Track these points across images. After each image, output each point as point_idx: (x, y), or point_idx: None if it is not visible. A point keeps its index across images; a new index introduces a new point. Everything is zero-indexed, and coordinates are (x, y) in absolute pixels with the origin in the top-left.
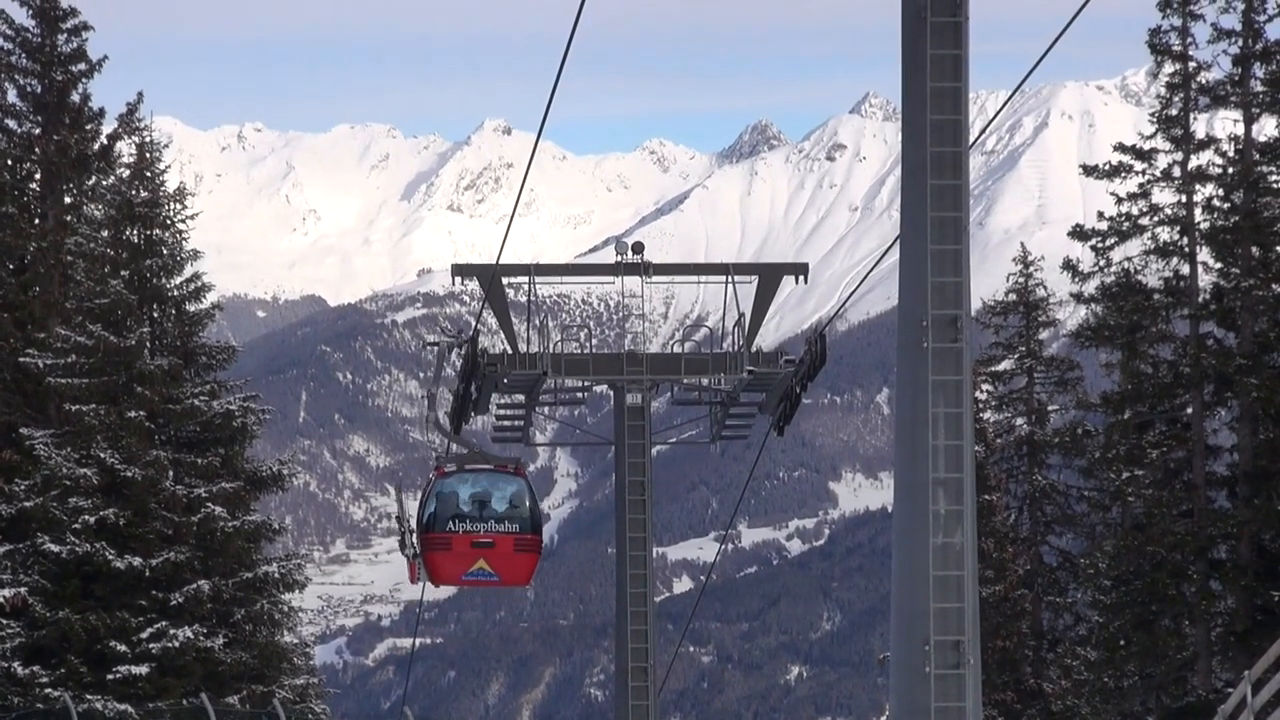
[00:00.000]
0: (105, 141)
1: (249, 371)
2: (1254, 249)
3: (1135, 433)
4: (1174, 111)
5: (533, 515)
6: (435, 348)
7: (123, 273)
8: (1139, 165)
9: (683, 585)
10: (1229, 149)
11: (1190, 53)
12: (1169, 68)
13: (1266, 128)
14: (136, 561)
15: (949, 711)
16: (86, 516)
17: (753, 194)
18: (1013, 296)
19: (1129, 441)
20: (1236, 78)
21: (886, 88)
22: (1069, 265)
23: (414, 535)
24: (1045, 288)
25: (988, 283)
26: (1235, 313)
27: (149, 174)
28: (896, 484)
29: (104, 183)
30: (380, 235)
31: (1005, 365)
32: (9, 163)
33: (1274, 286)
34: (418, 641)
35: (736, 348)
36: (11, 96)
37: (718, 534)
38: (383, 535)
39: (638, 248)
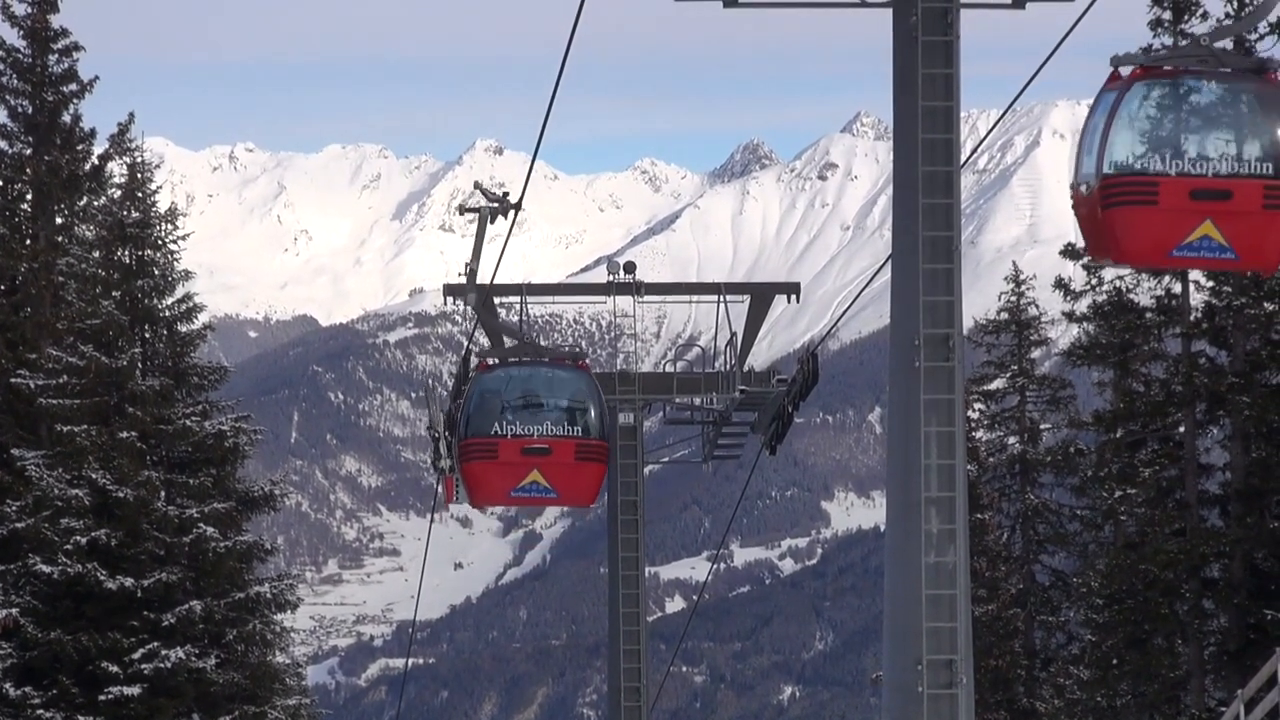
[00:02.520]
0: (96, 162)
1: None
2: None
3: (1127, 451)
4: None
5: (599, 417)
6: (475, 214)
7: (114, 293)
8: None
9: (675, 605)
10: None
11: None
12: None
13: None
14: (128, 582)
15: None
16: (78, 537)
17: (744, 213)
18: (1004, 315)
19: (1121, 460)
20: None
21: (878, 107)
22: (1061, 284)
23: (449, 444)
24: (1037, 306)
25: (979, 301)
26: (1227, 331)
27: (140, 194)
28: (889, 503)
29: (95, 203)
30: (372, 255)
31: (997, 384)
32: (0, 184)
33: (1266, 305)
34: (410, 662)
35: (728, 367)
36: (2, 117)
37: (710, 553)
38: (374, 555)
39: (629, 267)
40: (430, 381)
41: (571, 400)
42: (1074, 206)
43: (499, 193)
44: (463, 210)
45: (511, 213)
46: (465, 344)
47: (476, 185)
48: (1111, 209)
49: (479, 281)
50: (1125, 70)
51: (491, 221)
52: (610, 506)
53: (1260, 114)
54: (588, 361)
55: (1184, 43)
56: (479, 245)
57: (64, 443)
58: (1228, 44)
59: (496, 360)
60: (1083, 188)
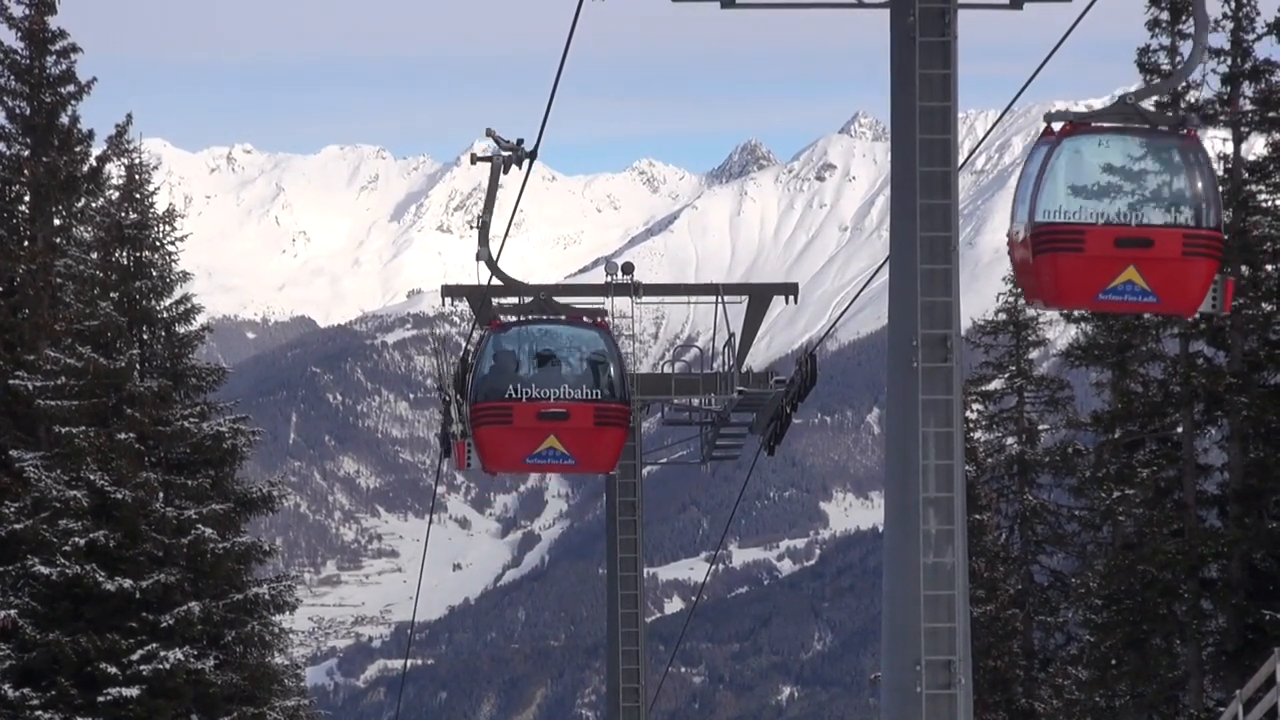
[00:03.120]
0: (94, 163)
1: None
2: (1243, 267)
3: (1126, 452)
4: None
5: (619, 380)
6: (489, 163)
7: (112, 295)
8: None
9: (674, 605)
10: (1218, 168)
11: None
12: None
13: (1255, 146)
14: (127, 583)
15: None
16: (77, 538)
17: (742, 214)
18: (1002, 316)
19: (1119, 460)
20: (1225, 97)
21: (876, 107)
22: None
23: (460, 408)
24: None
25: (977, 302)
26: (1225, 332)
27: (138, 196)
28: (887, 504)
29: (93, 205)
30: (370, 256)
31: (995, 385)
32: None
33: (1264, 305)
34: (409, 663)
35: (727, 368)
36: (0, 119)
37: (708, 554)
38: (373, 556)
39: (627, 268)
40: (440, 338)
41: (591, 361)
42: (1009, 251)
43: (513, 140)
44: (475, 160)
45: (526, 162)
46: (464, 345)
47: (489, 132)
48: (1042, 255)
49: (475, 283)
50: (1058, 126)
51: (505, 171)
52: (609, 507)
53: (1180, 168)
54: (608, 320)
55: (1140, 84)
56: (491, 196)
57: (62, 444)
58: (1225, 44)
59: (514, 317)
60: (1017, 234)
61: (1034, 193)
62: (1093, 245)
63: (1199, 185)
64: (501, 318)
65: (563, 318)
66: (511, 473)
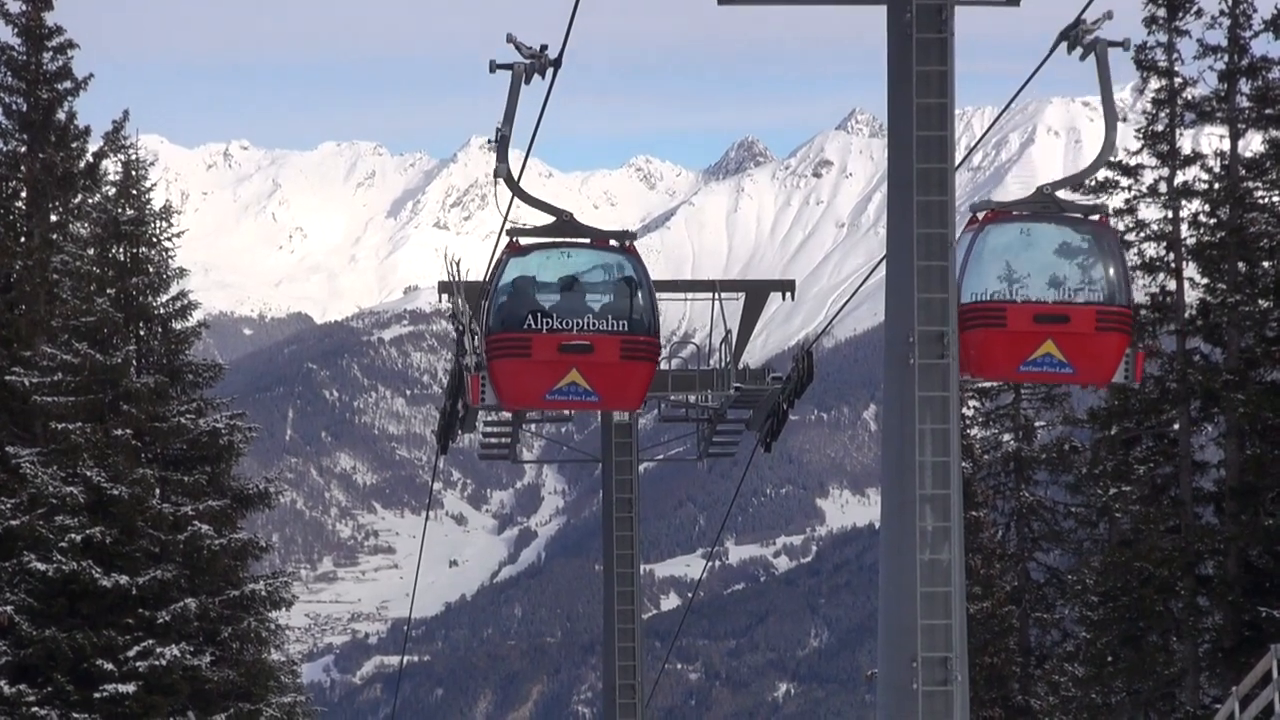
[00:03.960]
0: (91, 159)
1: (236, 389)
2: (1240, 264)
3: (1122, 448)
4: (1160, 127)
5: (649, 309)
6: (510, 70)
7: (109, 291)
8: (1125, 181)
9: (670, 602)
10: (1215, 165)
11: (1176, 69)
12: (1155, 84)
13: (1253, 143)
14: (123, 580)
15: None
16: (73, 535)
17: (739, 210)
18: None
19: (1116, 457)
20: (1222, 93)
21: (873, 104)
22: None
23: (476, 338)
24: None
25: None
26: (1222, 328)
27: (135, 192)
28: (884, 500)
29: (90, 201)
30: (367, 253)
31: (992, 381)
32: None
33: (1260, 302)
34: (405, 659)
35: (723, 364)
36: None
37: (705, 551)
38: (369, 553)
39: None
40: (456, 265)
41: (618, 289)
42: None
43: (536, 48)
44: (494, 68)
45: (550, 71)
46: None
47: (509, 38)
48: (968, 331)
49: (472, 280)
50: (981, 214)
51: (527, 81)
52: (605, 504)
53: (1093, 251)
54: (634, 241)
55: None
56: (512, 107)
57: (59, 440)
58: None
59: (530, 240)
60: None
61: (961, 276)
62: (1014, 321)
63: (1111, 267)
64: (520, 241)
65: (588, 241)
66: (530, 409)
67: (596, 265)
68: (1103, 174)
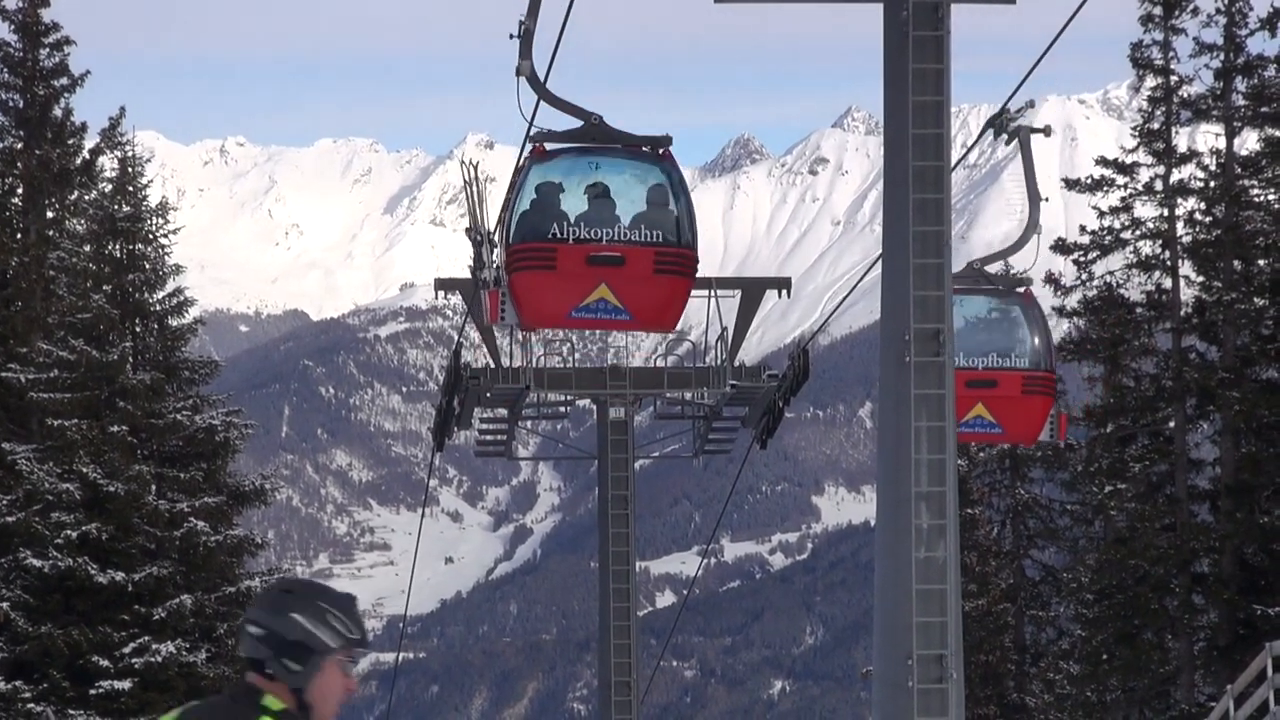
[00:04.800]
0: (87, 156)
1: (232, 386)
2: (1236, 262)
3: (1118, 446)
4: (1156, 125)
5: (685, 220)
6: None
7: (105, 287)
8: (1121, 179)
9: (665, 599)
10: (1211, 163)
11: (1172, 67)
12: (1151, 82)
13: (1248, 141)
14: (119, 576)
15: None
16: (69, 531)
17: (735, 208)
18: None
19: (1111, 455)
20: (1218, 92)
21: (869, 101)
22: (1051, 279)
23: (495, 251)
24: None
25: None
26: (1217, 326)
27: (131, 188)
28: (879, 498)
29: (86, 197)
30: (363, 249)
31: None
32: None
33: (1256, 300)
34: (400, 656)
35: (719, 362)
36: None
37: (700, 548)
38: (365, 550)
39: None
40: (473, 170)
41: (651, 198)
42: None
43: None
44: (514, 34)
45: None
46: (456, 337)
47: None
48: None
49: (467, 277)
50: None
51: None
52: (600, 501)
53: (1019, 321)
54: (668, 146)
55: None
56: (527, 32)
57: (55, 437)
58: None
59: (557, 145)
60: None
61: None
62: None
63: (1035, 335)
64: (545, 145)
65: (619, 146)
66: (553, 328)
67: (628, 173)
68: (1099, 172)
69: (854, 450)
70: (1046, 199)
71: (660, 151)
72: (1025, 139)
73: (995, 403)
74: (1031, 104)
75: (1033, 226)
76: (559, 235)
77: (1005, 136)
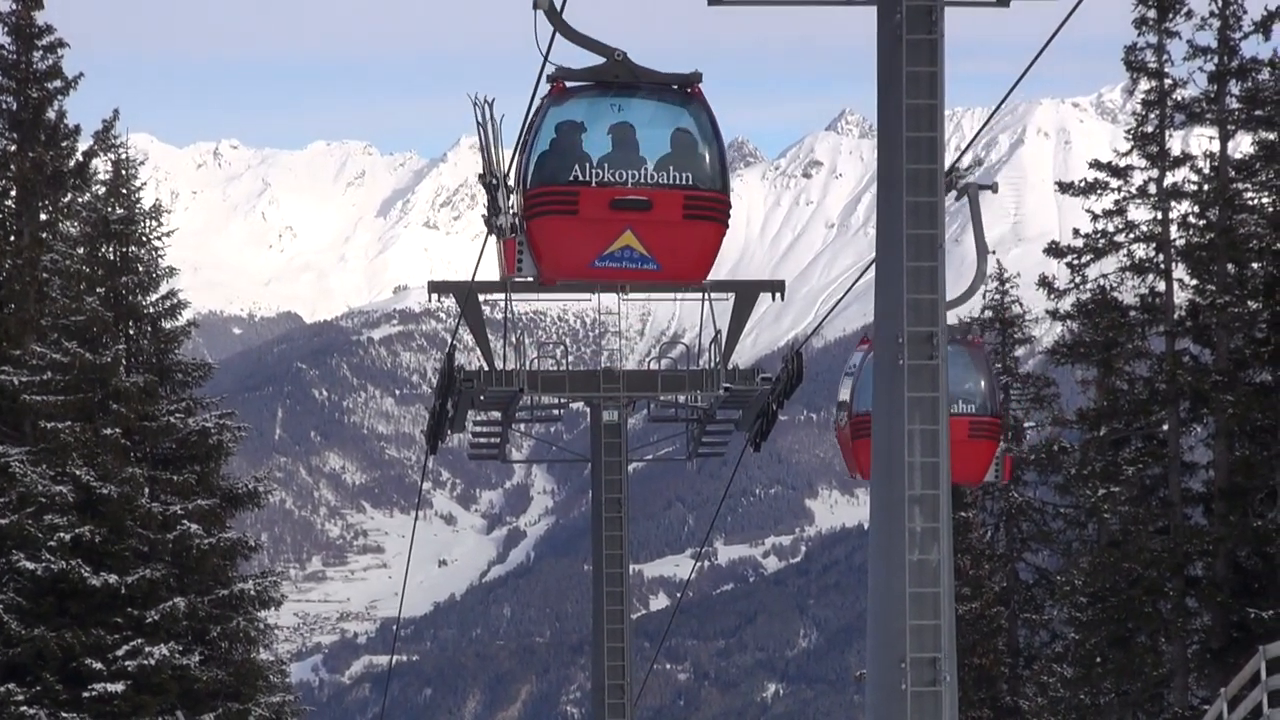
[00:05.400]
0: (81, 158)
1: (225, 388)
2: (1229, 266)
3: (1111, 449)
4: (1150, 128)
5: (716, 161)
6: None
7: (98, 290)
8: (1115, 182)
9: (659, 602)
10: (1204, 166)
11: (1166, 70)
12: (1145, 85)
13: (1242, 144)
14: (112, 579)
15: None
16: (62, 534)
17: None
18: (988, 313)
19: (1105, 458)
20: (1212, 95)
21: (863, 105)
22: (1045, 282)
23: (511, 196)
24: (1021, 304)
25: None
26: (1211, 329)
27: (125, 191)
28: (872, 501)
29: (80, 200)
30: (356, 252)
31: None
32: None
33: (1249, 303)
34: (394, 659)
35: (713, 365)
36: None
37: (694, 551)
38: (358, 552)
39: None
40: (487, 108)
41: (679, 139)
42: (836, 436)
43: None
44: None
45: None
46: (449, 340)
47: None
48: (859, 439)
49: (461, 279)
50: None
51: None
52: (594, 504)
53: (966, 368)
54: (699, 84)
55: None
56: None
57: (48, 439)
58: (1211, 43)
59: (576, 84)
60: (841, 421)
61: (853, 391)
62: None
63: (981, 382)
64: (564, 82)
65: (644, 84)
66: (575, 279)
67: (656, 110)
68: (1092, 175)
69: None
70: (994, 252)
71: (689, 90)
72: (974, 195)
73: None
74: (980, 162)
75: (980, 278)
76: (581, 178)
77: (955, 192)
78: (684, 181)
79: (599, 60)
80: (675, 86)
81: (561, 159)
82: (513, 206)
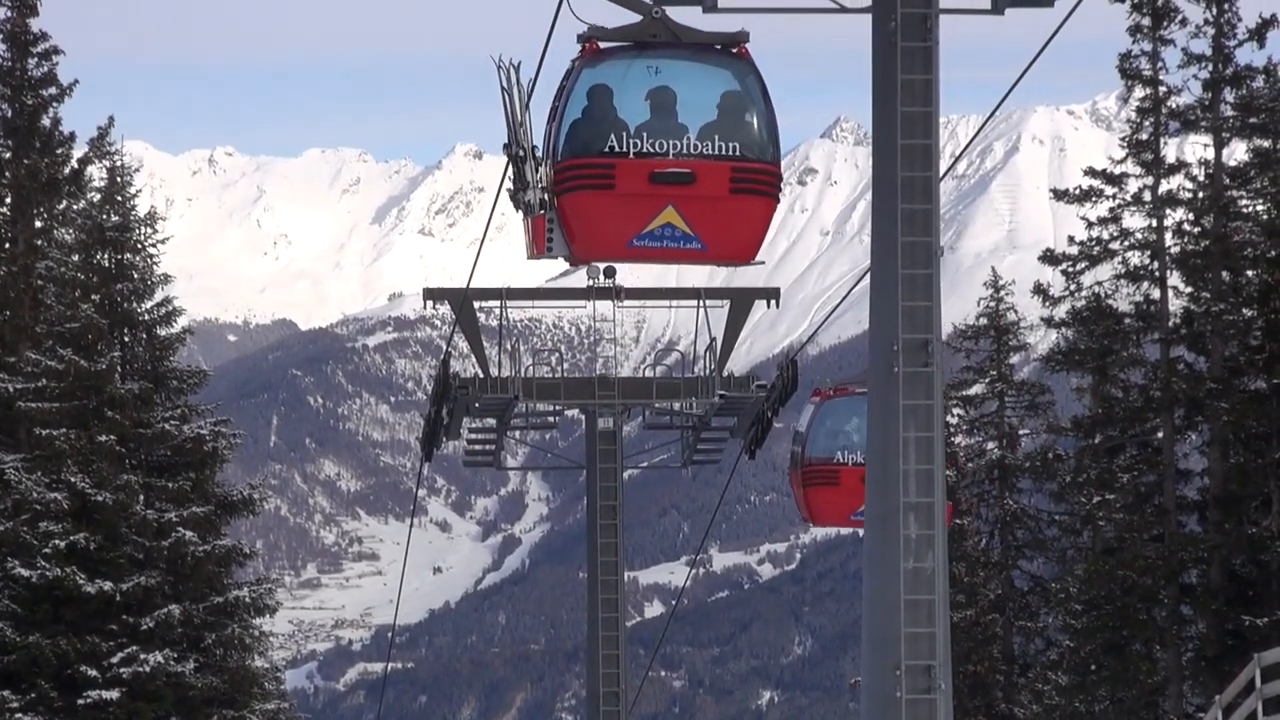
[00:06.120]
0: (76, 166)
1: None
2: (1224, 273)
3: (1106, 457)
4: (1144, 136)
5: (766, 130)
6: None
7: (93, 297)
8: (1109, 190)
9: (654, 610)
10: (1199, 173)
11: (1161, 77)
12: (1139, 92)
13: (1237, 152)
14: (107, 586)
15: None
16: (57, 541)
17: None
18: (983, 321)
19: (1100, 466)
20: (1206, 102)
21: (858, 112)
22: (1040, 289)
23: (539, 169)
24: (1016, 312)
25: (959, 307)
26: (1205, 337)
27: (120, 198)
28: (868, 508)
29: (75, 207)
30: (351, 259)
31: (976, 389)
32: None
33: (1244, 311)
34: (389, 666)
35: (708, 372)
36: None
37: (689, 558)
38: (353, 560)
39: (609, 272)
40: (514, 72)
41: (726, 104)
42: (790, 482)
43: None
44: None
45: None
46: (444, 347)
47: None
48: (810, 487)
49: (456, 286)
50: (825, 389)
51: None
52: (589, 511)
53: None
54: (746, 43)
55: None
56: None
57: (43, 446)
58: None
59: (611, 44)
60: (794, 470)
61: (805, 440)
62: (846, 480)
63: (757, 115)
64: (598, 42)
65: (680, 42)
66: (611, 259)
67: (697, 76)
68: (1087, 182)
69: None
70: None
71: (735, 49)
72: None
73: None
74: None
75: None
76: (617, 148)
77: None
78: (731, 152)
79: (635, 18)
80: (720, 46)
81: (595, 127)
82: (541, 180)
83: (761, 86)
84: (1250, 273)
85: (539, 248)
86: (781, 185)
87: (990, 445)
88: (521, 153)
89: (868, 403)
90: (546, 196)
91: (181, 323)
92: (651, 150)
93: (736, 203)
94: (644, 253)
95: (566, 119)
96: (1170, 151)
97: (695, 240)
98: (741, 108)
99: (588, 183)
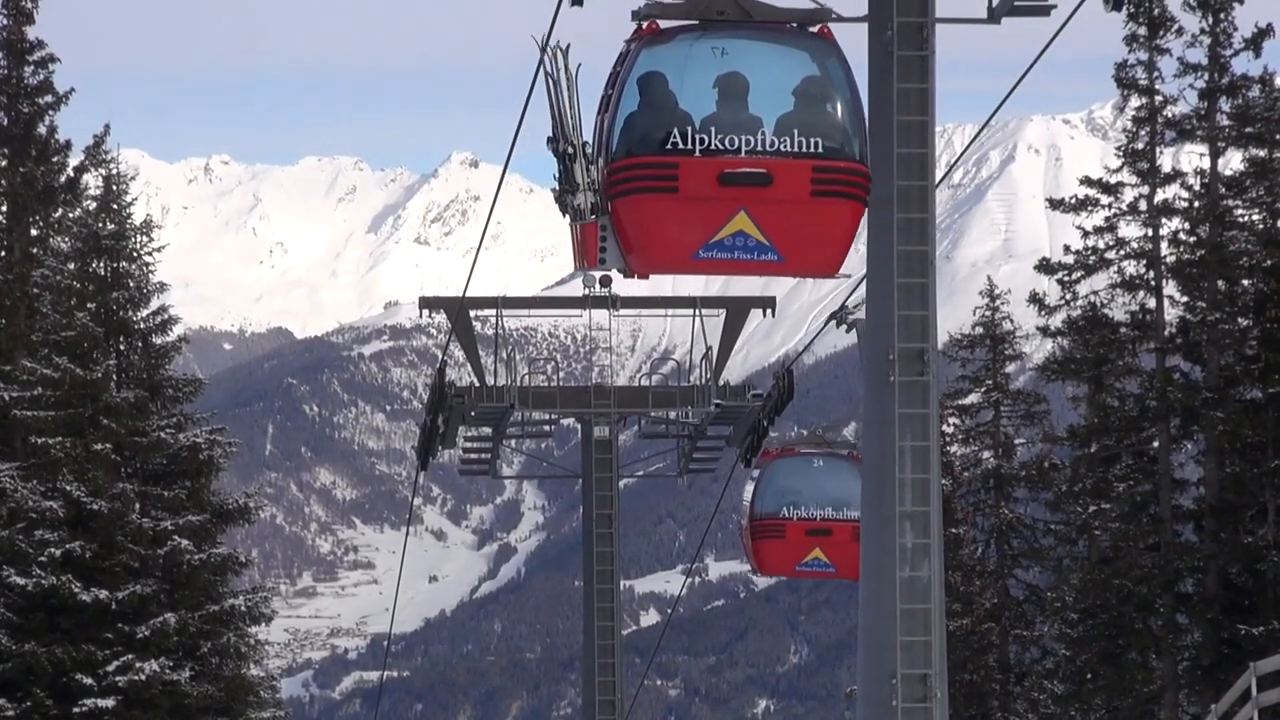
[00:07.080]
0: (72, 174)
1: (216, 404)
2: (1220, 283)
3: (1102, 466)
4: (1140, 145)
5: (852, 124)
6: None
7: (89, 305)
8: (1105, 199)
9: (650, 618)
10: (1195, 183)
11: (1156, 87)
12: (1135, 102)
13: (1232, 161)
14: (103, 594)
15: None
16: (53, 549)
17: None
18: (979, 330)
19: (1096, 475)
20: (1202, 112)
21: None
22: (1035, 299)
23: (590, 168)
24: (1012, 321)
25: (954, 316)
26: (1201, 346)
27: (115, 206)
28: (864, 517)
29: (70, 215)
30: (347, 268)
31: (972, 399)
32: None
33: (1240, 320)
34: (385, 674)
35: (704, 381)
36: None
37: (685, 567)
38: (349, 568)
39: (605, 281)
40: (561, 56)
41: (805, 93)
42: (740, 536)
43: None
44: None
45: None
46: (440, 356)
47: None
48: (758, 540)
49: (452, 295)
50: (773, 449)
51: None
52: (585, 520)
53: (855, 477)
54: (829, 20)
55: None
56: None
57: (39, 455)
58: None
59: (673, 24)
60: (743, 523)
61: (754, 496)
62: (790, 534)
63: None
64: (657, 22)
65: (752, 19)
66: (675, 272)
67: (772, 59)
68: (1083, 191)
69: None
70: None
71: (819, 29)
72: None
73: (833, 550)
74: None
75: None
76: (680, 145)
77: (845, 328)
78: (812, 148)
79: None
80: (796, 25)
81: (654, 120)
82: (594, 181)
83: (846, 71)
84: (1246, 282)
85: (590, 260)
86: (868, 187)
87: (986, 454)
88: (570, 149)
89: (864, 411)
90: (599, 200)
91: (177, 331)
92: (720, 147)
93: (819, 207)
94: (712, 265)
95: (621, 110)
96: (1166, 161)
97: (771, 251)
98: (823, 96)
99: (647, 184)
